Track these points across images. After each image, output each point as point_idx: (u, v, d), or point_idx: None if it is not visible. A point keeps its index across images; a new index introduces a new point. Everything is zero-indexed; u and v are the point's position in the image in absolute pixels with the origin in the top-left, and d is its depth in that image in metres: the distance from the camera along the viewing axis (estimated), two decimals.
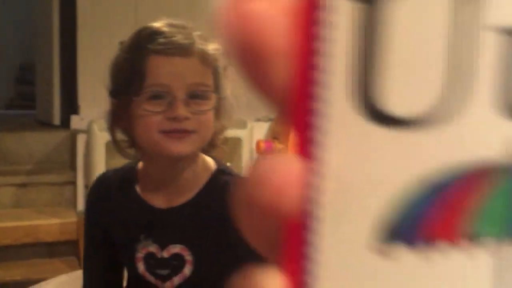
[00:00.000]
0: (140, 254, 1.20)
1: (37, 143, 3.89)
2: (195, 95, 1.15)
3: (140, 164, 1.26)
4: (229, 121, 1.25)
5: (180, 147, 1.14)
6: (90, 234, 1.31)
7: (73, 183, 3.63)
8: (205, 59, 1.17)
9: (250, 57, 0.20)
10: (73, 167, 3.66)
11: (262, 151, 3.38)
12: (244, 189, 0.21)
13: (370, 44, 0.21)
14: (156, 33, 1.17)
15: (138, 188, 1.25)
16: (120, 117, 1.21)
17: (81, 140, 3.57)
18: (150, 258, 1.20)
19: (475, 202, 0.22)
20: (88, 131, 3.44)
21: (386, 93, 0.21)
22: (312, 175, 0.21)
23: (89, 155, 3.41)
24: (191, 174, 1.20)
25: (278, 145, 3.35)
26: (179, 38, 1.16)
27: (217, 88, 1.19)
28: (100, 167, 3.24)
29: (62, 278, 2.25)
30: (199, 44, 1.16)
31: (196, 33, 1.18)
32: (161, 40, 1.15)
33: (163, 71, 1.15)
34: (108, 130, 1.25)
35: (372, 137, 0.21)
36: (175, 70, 1.15)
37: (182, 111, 1.13)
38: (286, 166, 0.21)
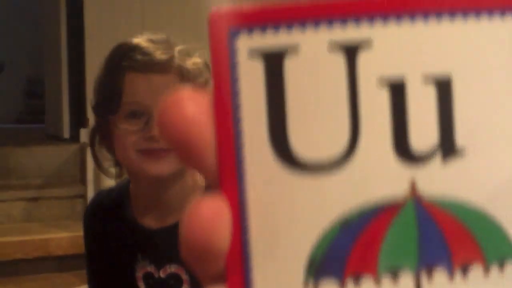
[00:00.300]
0: (139, 274, 1.19)
1: (47, 157, 3.90)
2: None
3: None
4: None
5: (158, 168, 1.11)
6: (90, 255, 1.30)
7: (83, 196, 3.63)
8: (184, 76, 1.13)
9: (184, 150, 0.25)
10: (83, 180, 3.66)
11: None
12: (180, 230, 0.24)
13: (276, 97, 0.24)
14: (134, 49, 1.13)
15: (131, 209, 1.23)
16: (103, 135, 1.19)
17: (90, 153, 3.57)
18: (149, 278, 1.18)
19: (387, 237, 0.24)
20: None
21: (297, 141, 0.24)
22: (238, 216, 0.24)
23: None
24: (179, 191, 1.17)
25: None
26: (157, 54, 1.12)
27: None
28: (109, 180, 3.23)
29: None
30: (178, 60, 1.13)
31: (178, 48, 1.15)
32: (138, 56, 1.12)
33: (139, 88, 1.12)
34: (90, 148, 1.23)
35: (289, 180, 0.24)
36: (152, 87, 1.11)
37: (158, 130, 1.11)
38: (213, 208, 0.24)
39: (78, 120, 4.24)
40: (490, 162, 0.25)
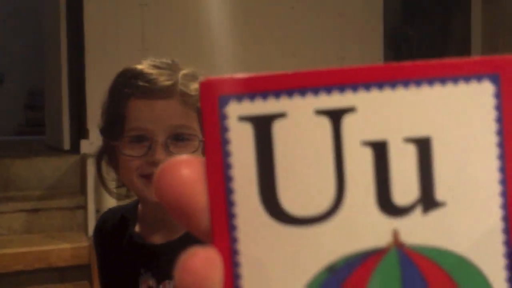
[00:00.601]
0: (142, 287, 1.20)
1: (47, 168, 3.90)
2: (177, 138, 1.13)
3: None
4: None
5: None
6: (99, 269, 1.31)
7: (84, 207, 3.63)
8: (187, 101, 1.14)
9: (178, 211, 0.27)
10: (83, 191, 3.66)
11: None
12: (174, 278, 0.26)
13: (265, 158, 0.26)
14: (137, 75, 1.15)
15: (136, 226, 1.24)
16: (110, 156, 1.21)
17: (91, 164, 3.57)
18: None
19: (371, 282, 0.27)
20: None
21: (286, 197, 0.26)
22: (230, 265, 0.27)
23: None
24: None
25: None
26: (160, 80, 1.13)
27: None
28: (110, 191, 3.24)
29: None
30: (181, 85, 1.14)
31: (182, 72, 1.16)
32: (141, 83, 1.13)
33: (142, 115, 1.13)
34: (96, 169, 1.25)
35: (278, 233, 0.26)
36: (155, 113, 1.13)
37: (161, 155, 1.10)
38: (205, 257, 0.26)
39: (79, 132, 4.25)
40: (469, 213, 0.27)
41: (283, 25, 4.14)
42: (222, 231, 0.27)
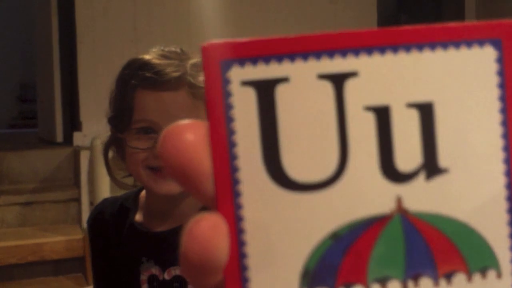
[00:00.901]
0: (144, 277, 1.18)
1: (41, 161, 3.89)
2: None
3: (143, 192, 1.24)
4: None
5: (167, 187, 1.10)
6: (95, 260, 1.30)
7: (78, 200, 3.63)
8: (196, 92, 1.10)
9: (182, 176, 0.27)
10: (77, 184, 3.66)
11: None
12: (181, 246, 0.26)
13: (269, 123, 0.26)
14: (144, 66, 1.11)
15: (137, 215, 1.23)
16: (117, 147, 1.19)
17: (84, 156, 3.57)
18: (153, 281, 1.18)
19: (375, 249, 0.27)
20: (91, 148, 3.44)
21: (290, 163, 0.26)
22: (235, 231, 0.27)
23: (92, 172, 3.41)
24: (190, 202, 1.17)
25: None
26: (168, 70, 1.10)
27: None
28: (104, 184, 3.23)
29: None
30: (189, 76, 1.10)
31: (191, 62, 1.12)
32: (148, 74, 1.10)
33: (149, 107, 1.10)
34: (103, 158, 1.23)
35: (282, 199, 0.26)
36: (162, 105, 1.10)
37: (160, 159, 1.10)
38: (211, 223, 0.26)
39: (71, 124, 4.24)
40: (472, 179, 0.27)
41: (275, 13, 4.13)
42: (226, 198, 0.27)
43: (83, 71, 3.83)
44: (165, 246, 1.17)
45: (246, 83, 0.26)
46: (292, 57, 0.26)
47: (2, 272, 3.22)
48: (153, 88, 1.10)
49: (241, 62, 0.26)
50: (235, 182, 0.27)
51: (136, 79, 1.11)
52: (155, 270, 1.17)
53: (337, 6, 4.25)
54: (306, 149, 0.26)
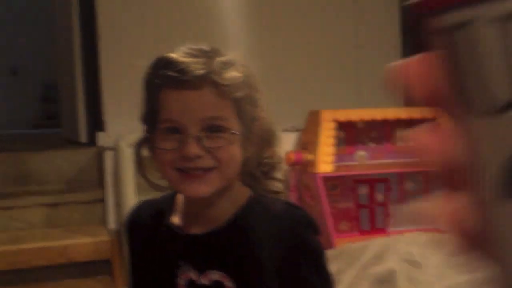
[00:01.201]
0: (181, 281, 1.16)
1: (65, 162, 3.90)
2: (211, 130, 1.08)
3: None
4: (269, 145, 1.19)
5: (198, 188, 1.09)
6: (132, 262, 1.28)
7: (103, 201, 3.62)
8: (221, 90, 1.08)
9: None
10: (102, 185, 3.66)
11: (292, 162, 3.35)
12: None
13: (471, 58, 0.30)
14: (169, 65, 1.09)
15: (173, 217, 1.21)
16: (149, 147, 1.17)
17: (108, 157, 3.57)
18: (190, 285, 1.16)
19: None
20: (115, 148, 3.44)
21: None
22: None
23: (117, 172, 3.40)
24: (226, 202, 1.15)
25: (307, 155, 3.32)
26: (192, 68, 1.07)
27: (241, 119, 1.11)
28: (129, 184, 3.23)
29: None
30: (215, 74, 1.08)
31: (218, 59, 1.10)
32: (172, 73, 1.08)
33: (173, 106, 1.09)
34: (135, 157, 1.20)
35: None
36: (186, 105, 1.08)
37: (193, 149, 1.06)
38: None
39: (95, 124, 4.24)
40: None
41: (296, 13, 4.10)
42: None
43: (105, 70, 3.82)
44: (201, 249, 1.16)
45: (442, 30, 0.31)
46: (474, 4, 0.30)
47: (29, 274, 3.23)
48: (176, 87, 1.09)
49: (437, 12, 0.31)
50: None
51: (160, 78, 1.10)
52: (192, 274, 1.15)
53: (358, 5, 4.21)
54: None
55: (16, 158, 3.90)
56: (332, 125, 3.32)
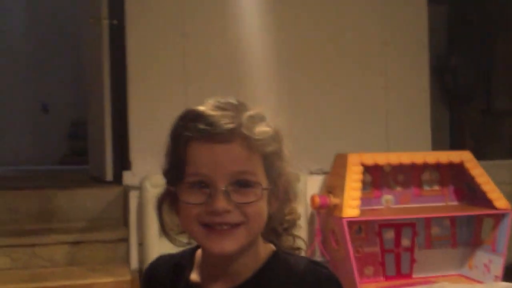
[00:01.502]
0: None
1: (90, 200, 3.90)
2: (239, 184, 1.06)
3: (199, 250, 1.20)
4: (293, 201, 1.16)
5: (224, 245, 1.06)
6: None
7: (127, 240, 3.61)
8: (251, 144, 1.07)
9: None
10: (126, 223, 3.65)
11: (318, 205, 3.31)
12: None
13: None
14: (198, 117, 1.07)
15: (193, 274, 1.17)
16: (171, 200, 1.14)
17: (133, 196, 3.56)
18: None
19: None
20: (140, 187, 3.43)
21: None
22: None
23: (142, 212, 3.39)
24: (249, 258, 1.12)
25: (333, 199, 3.28)
26: (222, 123, 1.05)
27: (269, 174, 1.09)
28: (153, 224, 3.21)
29: None
30: (245, 128, 1.06)
31: (246, 114, 1.09)
32: (201, 126, 1.06)
33: (202, 159, 1.06)
34: (157, 213, 1.16)
35: None
36: (215, 158, 1.05)
37: (221, 204, 1.04)
38: None
39: (121, 163, 4.25)
40: None
41: (325, 54, 4.11)
42: None
43: (134, 110, 3.84)
44: None
45: None
46: None
47: None
48: (206, 140, 1.06)
49: None
50: None
51: (189, 131, 1.07)
52: None
53: (389, 48, 4.20)
54: None
55: (40, 195, 3.90)
56: (359, 168, 3.29)
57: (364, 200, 3.35)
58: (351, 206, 3.20)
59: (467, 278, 3.48)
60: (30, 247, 3.51)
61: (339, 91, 4.09)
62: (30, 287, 3.17)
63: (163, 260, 1.25)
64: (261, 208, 1.08)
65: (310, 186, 3.64)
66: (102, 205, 3.88)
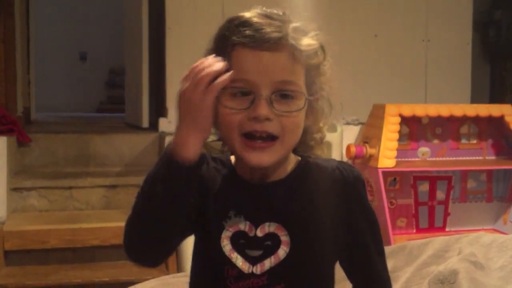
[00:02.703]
0: (227, 233, 1.10)
1: (126, 145, 3.93)
2: (282, 94, 1.05)
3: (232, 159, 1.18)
4: (324, 122, 1.15)
5: (260, 158, 1.05)
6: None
7: None
8: (296, 56, 1.06)
9: None
10: None
11: (353, 155, 3.29)
12: None
13: None
14: (245, 24, 1.06)
15: (234, 165, 1.16)
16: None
17: (169, 142, 3.57)
18: (239, 237, 1.10)
19: None
20: None
21: None
22: None
23: None
24: (281, 165, 1.12)
25: (369, 150, 3.26)
26: (269, 30, 1.04)
27: (309, 87, 1.09)
28: None
29: (152, 283, 2.22)
30: (291, 39, 1.05)
31: (292, 25, 1.07)
32: (248, 32, 1.04)
33: (248, 66, 1.04)
34: None
35: None
36: (261, 65, 1.04)
37: (264, 110, 1.03)
38: None
39: (157, 110, 4.27)
40: None
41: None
42: None
43: (171, 58, 3.84)
44: (261, 199, 1.11)
45: None
46: None
47: (84, 253, 3.26)
48: (253, 46, 1.04)
49: None
50: None
51: (235, 35, 1.05)
52: (243, 226, 1.11)
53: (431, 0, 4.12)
54: None
55: (78, 139, 3.95)
56: (396, 119, 3.25)
57: (400, 152, 3.32)
58: (387, 156, 3.17)
59: (502, 233, 3.44)
60: (68, 190, 3.57)
61: (378, 42, 4.03)
62: (66, 228, 3.23)
63: (204, 154, 1.21)
64: (300, 120, 1.08)
65: (346, 136, 3.62)
66: (138, 150, 3.92)
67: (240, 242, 1.10)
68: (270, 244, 1.09)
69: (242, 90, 1.05)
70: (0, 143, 3.36)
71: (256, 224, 1.10)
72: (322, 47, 1.11)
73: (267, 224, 1.10)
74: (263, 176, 1.12)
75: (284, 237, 1.09)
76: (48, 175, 3.65)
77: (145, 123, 4.23)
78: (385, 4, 4.08)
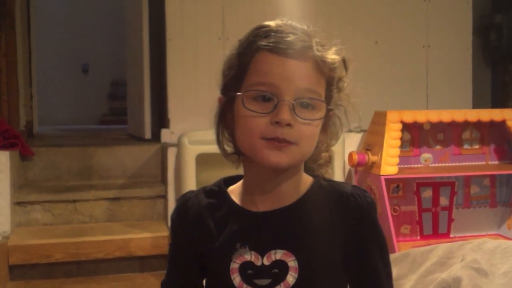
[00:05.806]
0: (235, 265, 1.10)
1: (129, 157, 3.94)
2: (303, 103, 1.06)
3: (231, 187, 1.19)
4: (335, 138, 1.16)
5: (279, 157, 1.05)
6: (174, 252, 1.24)
7: (164, 196, 3.64)
8: (320, 67, 1.08)
9: None
10: (164, 180, 3.68)
11: (355, 163, 3.29)
12: None
13: None
14: (272, 31, 1.08)
15: (231, 196, 1.16)
16: (226, 116, 1.13)
17: (171, 153, 3.58)
18: (247, 268, 1.10)
19: None
20: (178, 144, 3.45)
21: None
22: None
23: (179, 169, 3.41)
24: (294, 183, 1.12)
25: (371, 157, 3.26)
26: (295, 39, 1.07)
27: (328, 100, 1.11)
28: (190, 180, 3.23)
29: None
30: (317, 50, 1.08)
31: (315, 39, 1.10)
32: (275, 38, 1.07)
33: (273, 70, 1.06)
34: (214, 130, 1.16)
35: None
36: (286, 71, 1.06)
37: (287, 115, 1.03)
38: None
39: (159, 121, 4.27)
40: None
41: (366, 8, 4.04)
42: None
43: (172, 69, 3.84)
44: (266, 227, 1.11)
45: None
46: None
47: (89, 266, 3.27)
48: (279, 52, 1.06)
49: None
50: None
51: (263, 40, 1.08)
52: (249, 256, 1.10)
53: (431, 5, 4.12)
54: None
55: (81, 152, 3.96)
56: (398, 126, 3.25)
57: (403, 159, 3.32)
58: (390, 163, 3.17)
59: (507, 238, 3.44)
60: (71, 203, 3.58)
61: (379, 49, 4.04)
62: (70, 241, 3.24)
63: (191, 193, 1.22)
64: (317, 131, 1.09)
65: (348, 144, 3.62)
66: (141, 162, 3.92)
67: (248, 272, 1.10)
68: (277, 271, 1.09)
69: (263, 95, 1.06)
70: (3, 158, 3.37)
71: (262, 253, 1.10)
72: (344, 62, 1.13)
73: (273, 251, 1.10)
74: (276, 196, 1.12)
75: (292, 263, 1.09)
76: (52, 189, 3.66)
77: (148, 134, 4.24)
78: (385, 11, 4.08)
